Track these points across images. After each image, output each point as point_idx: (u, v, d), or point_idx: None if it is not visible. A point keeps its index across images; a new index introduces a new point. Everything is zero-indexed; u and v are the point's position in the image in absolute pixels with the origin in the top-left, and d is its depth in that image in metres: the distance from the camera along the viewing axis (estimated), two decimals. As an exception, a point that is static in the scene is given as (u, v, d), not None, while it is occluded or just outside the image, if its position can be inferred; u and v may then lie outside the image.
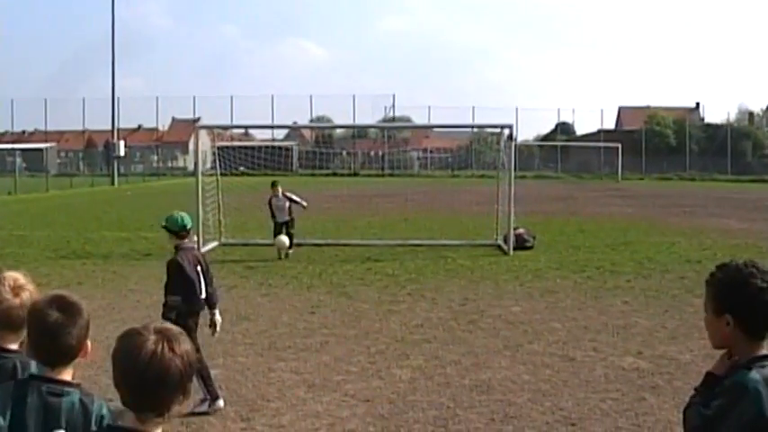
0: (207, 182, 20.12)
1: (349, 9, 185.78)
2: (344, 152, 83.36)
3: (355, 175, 70.74)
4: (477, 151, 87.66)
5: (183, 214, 7.25)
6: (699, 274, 15.49)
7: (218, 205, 20.93)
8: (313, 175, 74.65)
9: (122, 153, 53.48)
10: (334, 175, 67.81)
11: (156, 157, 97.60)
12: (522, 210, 20.93)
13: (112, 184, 56.53)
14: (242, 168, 74.95)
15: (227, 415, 7.25)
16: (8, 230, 23.39)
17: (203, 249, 18.33)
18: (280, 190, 18.56)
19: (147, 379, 2.26)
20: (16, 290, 3.15)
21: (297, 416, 7.25)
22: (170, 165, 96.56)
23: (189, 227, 7.30)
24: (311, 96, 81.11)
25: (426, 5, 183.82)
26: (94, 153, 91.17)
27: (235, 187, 23.31)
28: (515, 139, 18.83)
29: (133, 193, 45.84)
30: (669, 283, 14.55)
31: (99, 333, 6.01)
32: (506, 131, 19.03)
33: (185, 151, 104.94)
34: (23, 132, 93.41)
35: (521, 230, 19.42)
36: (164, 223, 7.23)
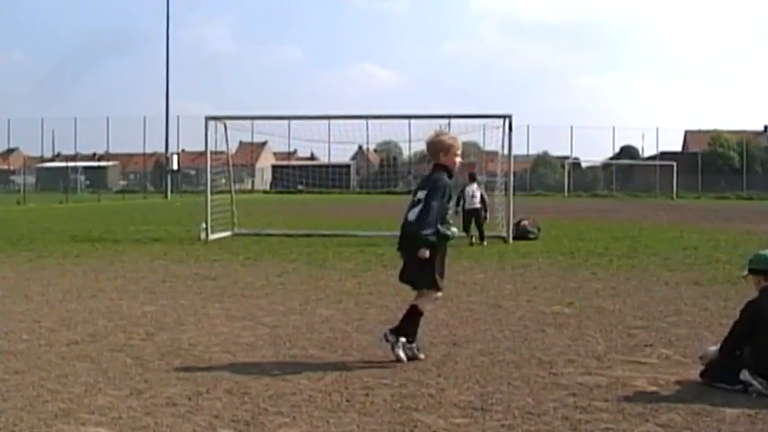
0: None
1: (414, 32, 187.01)
2: (411, 175, 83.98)
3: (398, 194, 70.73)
4: (540, 174, 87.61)
5: None
6: (689, 256, 15.50)
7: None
8: (368, 193, 75.71)
9: (175, 167, 54.85)
10: (390, 193, 67.98)
11: (224, 181, 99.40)
12: (555, 216, 20.98)
13: (166, 197, 58.06)
14: (300, 186, 76.59)
15: (133, 332, 7.73)
16: (41, 225, 24.51)
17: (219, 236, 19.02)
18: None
19: None
20: None
21: (198, 333, 7.70)
22: (237, 187, 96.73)
23: None
24: (367, 122, 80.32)
25: (490, 29, 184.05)
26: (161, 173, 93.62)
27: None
28: (510, 131, 18.94)
29: (182, 203, 47.05)
30: (650, 261, 14.57)
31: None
32: (506, 121, 19.19)
33: (252, 173, 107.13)
34: (94, 155, 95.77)
35: (524, 222, 19.55)
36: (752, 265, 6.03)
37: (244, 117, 22.42)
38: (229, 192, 22.65)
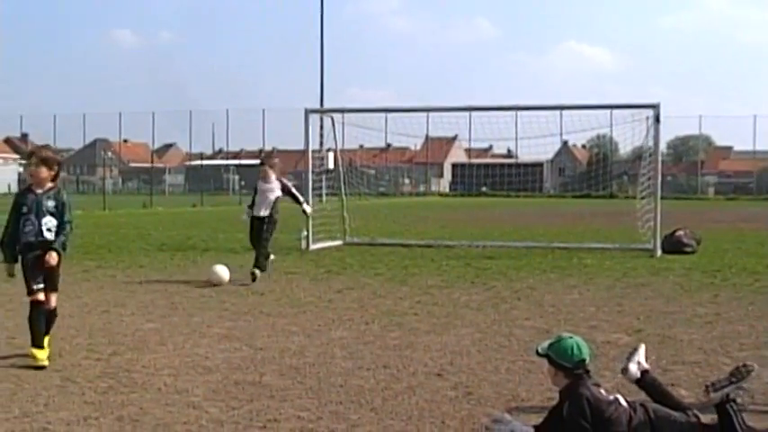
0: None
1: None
2: (626, 176, 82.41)
3: (612, 197, 69.40)
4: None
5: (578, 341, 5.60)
6: None
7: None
8: (563, 196, 75.15)
9: (331, 166, 56.34)
10: (588, 197, 67.06)
11: (408, 180, 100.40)
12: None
13: (320, 200, 59.82)
14: (484, 188, 76.91)
15: (100, 350, 8.38)
16: (143, 231, 26.23)
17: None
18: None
19: None
20: None
21: (168, 355, 8.30)
22: (421, 189, 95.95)
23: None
24: (561, 112, 79.61)
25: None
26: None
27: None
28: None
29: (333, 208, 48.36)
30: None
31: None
32: (651, 113, 18.72)
33: (440, 173, 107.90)
34: (260, 152, 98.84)
35: (680, 232, 19.00)
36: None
37: (352, 110, 23.11)
38: (339, 195, 23.25)
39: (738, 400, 5.76)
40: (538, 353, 5.61)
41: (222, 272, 13.70)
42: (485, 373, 7.62)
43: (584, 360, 5.39)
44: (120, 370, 7.62)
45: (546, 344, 5.60)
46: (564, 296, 12.49)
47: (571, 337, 5.54)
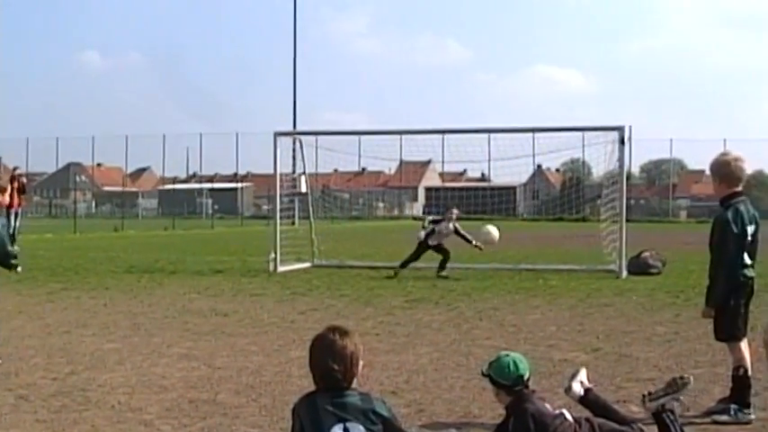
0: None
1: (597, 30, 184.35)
2: (599, 200, 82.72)
3: (584, 221, 69.63)
4: (753, 197, 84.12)
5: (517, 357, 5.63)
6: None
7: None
8: (536, 220, 75.45)
9: (304, 189, 56.35)
10: (561, 220, 67.16)
11: (382, 204, 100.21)
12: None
13: (292, 224, 59.81)
14: (455, 212, 77.15)
15: (57, 370, 8.37)
16: (111, 254, 26.16)
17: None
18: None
19: None
20: None
21: (126, 374, 8.30)
22: (395, 213, 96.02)
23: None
24: (533, 134, 79.87)
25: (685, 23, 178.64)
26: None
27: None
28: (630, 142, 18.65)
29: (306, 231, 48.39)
30: None
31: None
32: (617, 134, 18.94)
33: (414, 197, 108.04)
34: (236, 176, 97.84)
35: (646, 254, 19.18)
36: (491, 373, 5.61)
37: (321, 132, 23.24)
38: (308, 219, 23.35)
39: (677, 411, 5.87)
40: (482, 373, 5.67)
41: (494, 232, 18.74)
42: (439, 390, 7.68)
43: (521, 376, 5.43)
44: (75, 389, 7.63)
45: (487, 364, 5.66)
46: (526, 316, 12.58)
47: (507, 355, 5.58)
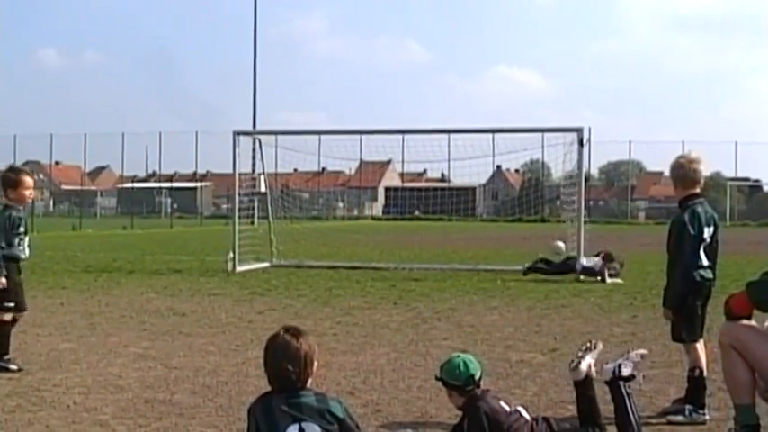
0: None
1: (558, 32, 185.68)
2: (559, 200, 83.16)
3: (543, 221, 70.09)
4: (710, 199, 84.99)
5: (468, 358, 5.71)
6: None
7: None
8: (495, 221, 75.73)
9: (263, 189, 56.18)
10: (520, 221, 67.40)
11: (342, 204, 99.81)
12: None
13: (252, 224, 59.60)
14: (417, 212, 77.14)
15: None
16: (69, 254, 25.93)
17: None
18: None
19: None
20: None
21: (81, 374, 8.27)
22: (355, 212, 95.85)
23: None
24: (493, 135, 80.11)
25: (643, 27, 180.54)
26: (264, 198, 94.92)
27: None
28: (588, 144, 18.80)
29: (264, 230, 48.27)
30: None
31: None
32: (576, 135, 19.07)
33: (374, 197, 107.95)
34: (194, 174, 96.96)
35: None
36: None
37: (281, 132, 23.21)
38: (267, 218, 23.30)
39: (633, 376, 6.00)
40: (436, 377, 5.69)
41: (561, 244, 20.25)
42: (396, 391, 7.70)
43: (472, 376, 5.47)
44: (30, 389, 7.57)
45: (439, 368, 5.69)
46: (484, 317, 12.63)
47: (458, 356, 5.62)
